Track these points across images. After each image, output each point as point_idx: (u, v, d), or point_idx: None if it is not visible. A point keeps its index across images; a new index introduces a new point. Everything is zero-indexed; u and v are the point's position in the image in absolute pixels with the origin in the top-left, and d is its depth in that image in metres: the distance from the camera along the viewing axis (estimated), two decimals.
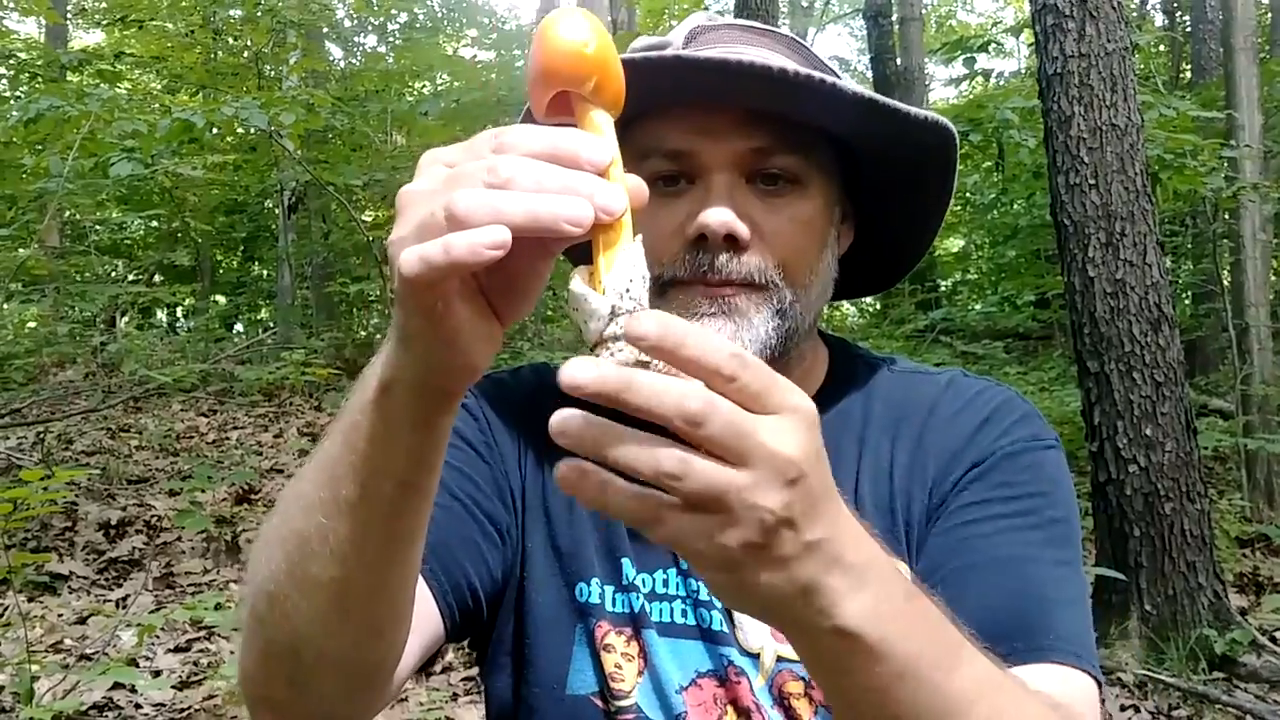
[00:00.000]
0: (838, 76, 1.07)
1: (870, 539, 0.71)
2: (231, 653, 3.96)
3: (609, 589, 1.11)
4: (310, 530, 0.82)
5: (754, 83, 1.00)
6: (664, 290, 1.06)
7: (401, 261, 0.64)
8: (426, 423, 0.76)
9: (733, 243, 1.04)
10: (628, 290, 0.64)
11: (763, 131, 1.05)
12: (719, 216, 1.03)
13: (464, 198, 0.62)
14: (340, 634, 0.86)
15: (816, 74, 0.99)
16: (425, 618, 1.02)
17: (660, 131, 1.07)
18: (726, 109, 1.06)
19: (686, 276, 1.05)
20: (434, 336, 0.69)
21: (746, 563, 0.63)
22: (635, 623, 1.10)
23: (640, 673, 1.09)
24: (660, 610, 1.10)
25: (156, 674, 3.80)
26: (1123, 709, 4.10)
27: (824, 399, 1.16)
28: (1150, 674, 4.34)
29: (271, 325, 12.81)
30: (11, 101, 8.80)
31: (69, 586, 4.84)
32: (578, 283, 0.66)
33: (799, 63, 1.08)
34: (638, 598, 1.10)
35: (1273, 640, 4.68)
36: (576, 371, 0.59)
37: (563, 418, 0.61)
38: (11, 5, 11.69)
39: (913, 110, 1.06)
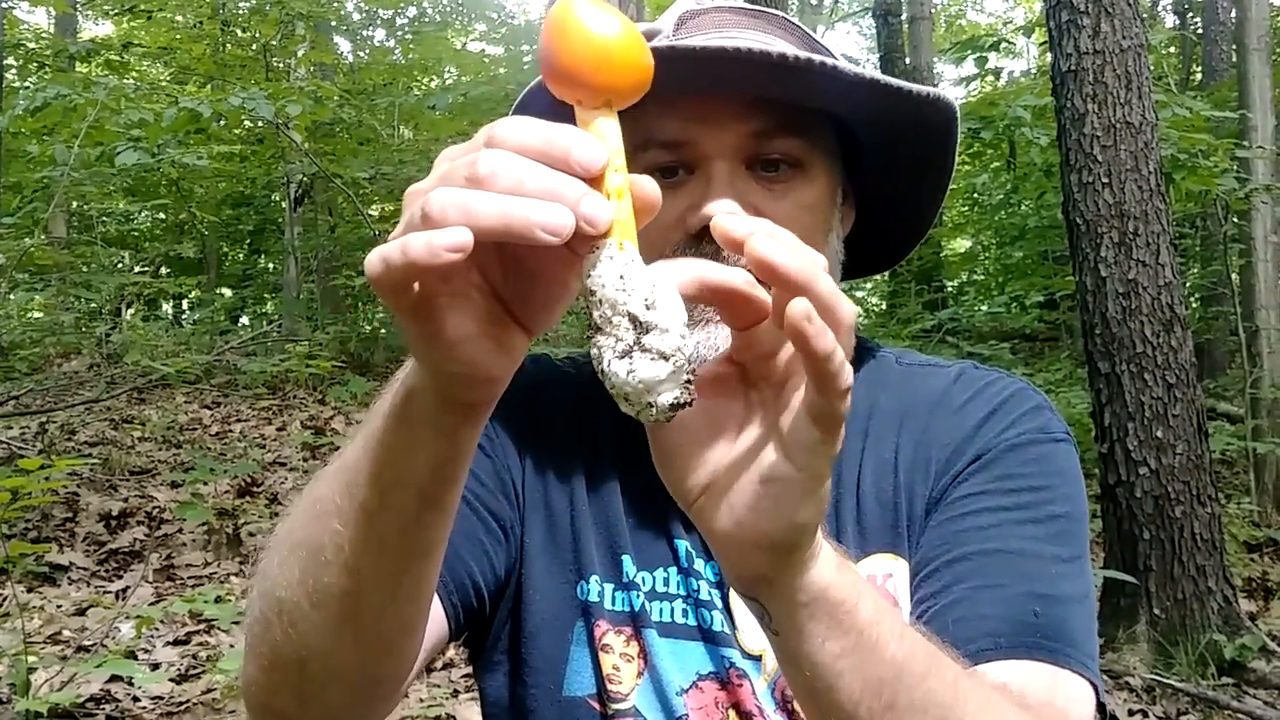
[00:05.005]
0: (834, 56, 1.04)
1: None
2: (231, 646, 3.93)
3: (609, 586, 1.08)
4: (324, 538, 0.79)
5: (751, 69, 0.97)
6: None
7: (365, 261, 0.62)
8: (449, 434, 0.72)
9: None
10: (610, 290, 0.61)
11: (761, 115, 1.03)
12: (723, 209, 0.99)
13: (438, 197, 0.59)
14: (350, 648, 0.83)
15: (816, 57, 0.97)
16: (432, 620, 0.98)
17: (657, 121, 1.03)
18: (724, 95, 1.03)
19: None
20: (430, 345, 0.66)
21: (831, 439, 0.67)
22: (635, 622, 1.07)
23: (640, 674, 1.06)
24: (661, 610, 1.07)
25: (155, 667, 3.78)
26: (1131, 714, 4.06)
27: None
28: (1159, 678, 4.30)
29: (276, 318, 12.81)
30: (20, 91, 8.78)
31: (68, 577, 4.81)
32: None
33: (794, 43, 1.06)
34: (638, 596, 1.07)
35: None
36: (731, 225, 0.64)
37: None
38: None
39: (915, 87, 1.05)
